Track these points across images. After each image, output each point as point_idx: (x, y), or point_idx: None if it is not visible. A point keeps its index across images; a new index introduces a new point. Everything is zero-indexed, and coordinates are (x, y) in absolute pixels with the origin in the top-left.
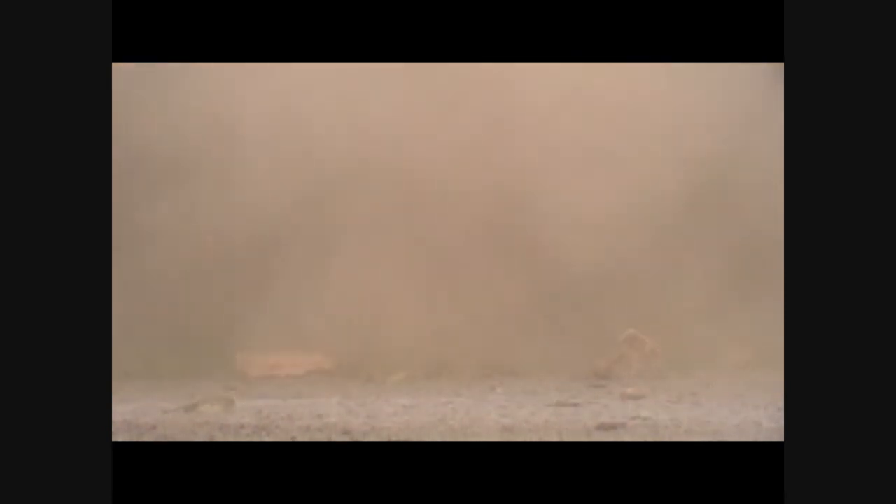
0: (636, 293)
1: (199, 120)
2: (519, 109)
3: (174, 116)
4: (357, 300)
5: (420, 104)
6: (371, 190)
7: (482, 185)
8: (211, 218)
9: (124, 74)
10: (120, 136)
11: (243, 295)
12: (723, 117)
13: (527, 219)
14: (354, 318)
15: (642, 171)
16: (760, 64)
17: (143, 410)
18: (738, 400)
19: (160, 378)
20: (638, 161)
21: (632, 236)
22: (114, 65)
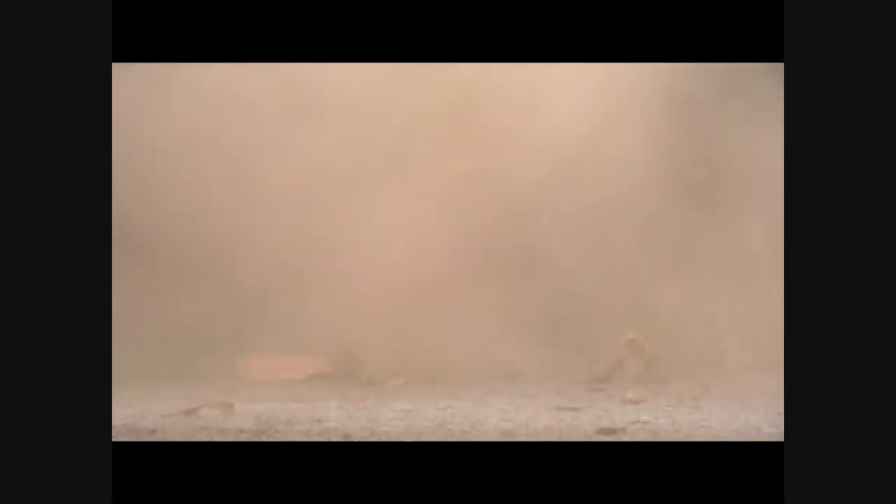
0: (635, 297)
1: (203, 120)
2: (508, 111)
3: (176, 117)
4: (356, 304)
5: (415, 109)
6: (369, 193)
7: (479, 189)
8: (212, 220)
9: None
10: (120, 135)
11: (243, 298)
12: (718, 114)
13: (524, 222)
14: (353, 322)
15: (636, 172)
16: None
17: (142, 415)
18: (738, 404)
19: (159, 382)
20: (631, 161)
21: (629, 238)
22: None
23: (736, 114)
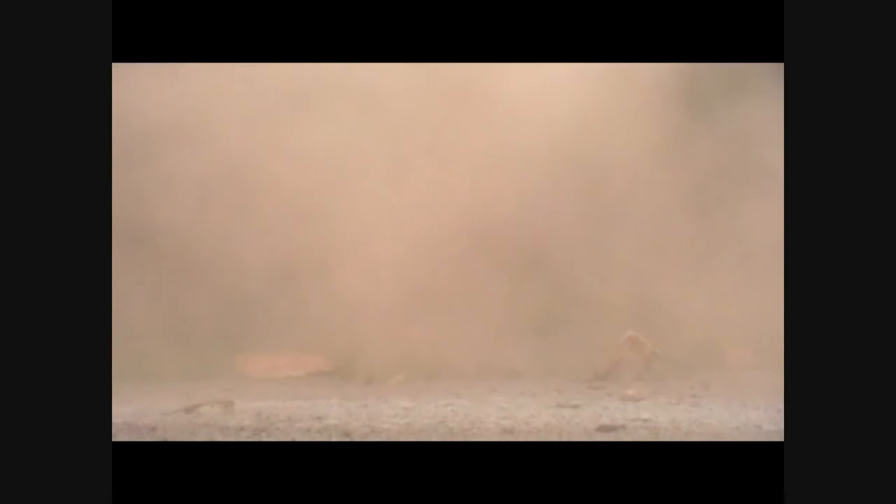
0: (635, 295)
1: (203, 121)
2: (508, 111)
3: (177, 116)
4: (356, 303)
5: (416, 110)
6: (370, 193)
7: (479, 188)
8: (213, 218)
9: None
10: (120, 135)
11: (244, 296)
12: (718, 114)
13: (524, 222)
14: (354, 320)
15: (636, 172)
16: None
17: (143, 412)
18: (738, 401)
19: (160, 380)
20: (631, 161)
21: (630, 237)
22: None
23: (736, 113)
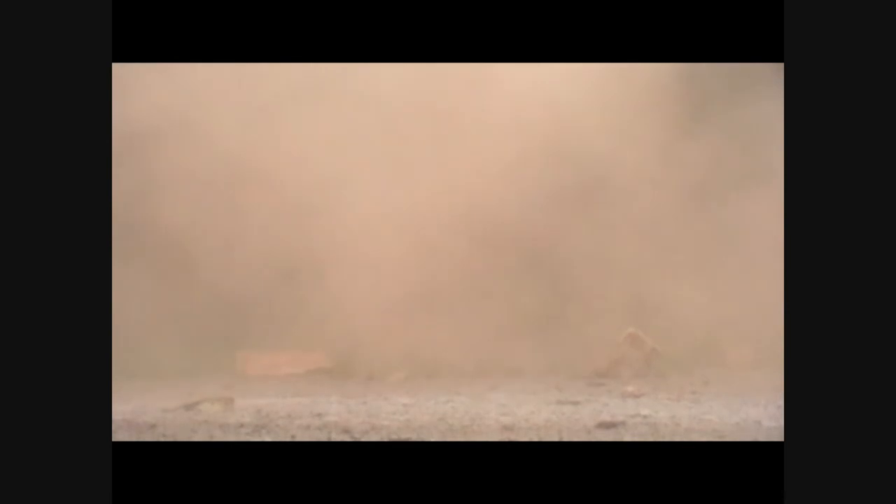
0: (636, 292)
1: (203, 121)
2: (507, 110)
3: (177, 116)
4: (356, 301)
5: (413, 105)
6: (371, 191)
7: (479, 187)
8: (213, 216)
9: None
10: (121, 135)
11: (244, 294)
12: (718, 113)
13: (524, 219)
14: (354, 318)
15: (636, 170)
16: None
17: (142, 409)
18: (738, 398)
19: (160, 377)
20: (632, 159)
21: (630, 234)
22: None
23: (736, 112)
